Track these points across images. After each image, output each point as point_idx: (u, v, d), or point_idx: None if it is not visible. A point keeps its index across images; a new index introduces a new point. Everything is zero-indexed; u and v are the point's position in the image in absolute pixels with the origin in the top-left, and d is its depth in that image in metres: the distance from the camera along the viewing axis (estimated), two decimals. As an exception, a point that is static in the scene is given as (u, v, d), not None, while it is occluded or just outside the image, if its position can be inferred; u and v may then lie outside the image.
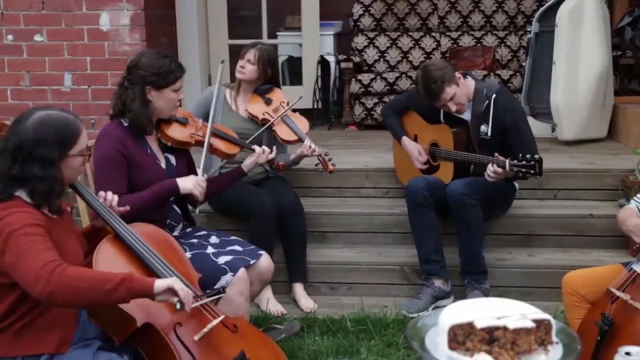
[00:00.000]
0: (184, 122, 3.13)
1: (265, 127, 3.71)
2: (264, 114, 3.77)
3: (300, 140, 3.75)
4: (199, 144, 3.17)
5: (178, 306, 2.16)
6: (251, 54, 3.79)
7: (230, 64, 4.44)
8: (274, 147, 3.43)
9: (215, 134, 3.28)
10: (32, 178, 2.13)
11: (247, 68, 3.80)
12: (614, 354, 1.81)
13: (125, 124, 2.96)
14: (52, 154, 2.15)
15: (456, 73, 3.63)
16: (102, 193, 2.50)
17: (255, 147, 3.35)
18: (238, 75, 3.82)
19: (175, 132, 3.08)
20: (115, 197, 2.51)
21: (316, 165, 3.74)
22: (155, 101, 2.95)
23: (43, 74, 4.98)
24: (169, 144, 3.07)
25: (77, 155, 2.23)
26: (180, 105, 3.08)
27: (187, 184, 2.98)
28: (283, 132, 3.76)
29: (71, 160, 2.22)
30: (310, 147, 3.71)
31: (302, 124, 3.84)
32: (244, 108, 3.85)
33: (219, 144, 3.29)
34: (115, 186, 2.76)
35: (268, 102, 3.82)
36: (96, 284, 2.02)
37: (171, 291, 2.13)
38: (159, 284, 2.11)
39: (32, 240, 2.03)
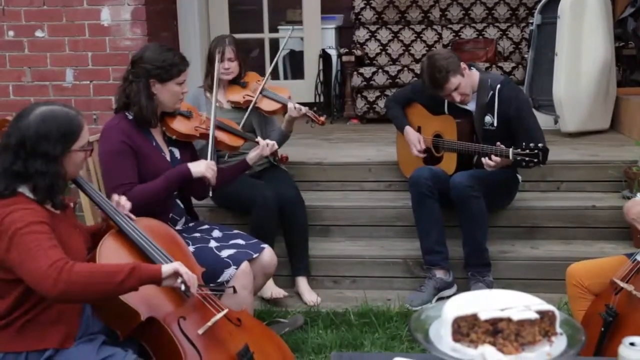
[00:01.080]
0: (188, 116, 3.13)
1: (251, 107, 3.79)
2: (244, 97, 3.87)
3: (285, 107, 3.87)
4: (204, 136, 3.17)
5: (182, 287, 2.18)
6: (229, 53, 3.85)
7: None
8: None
9: (219, 126, 3.28)
10: (35, 174, 2.13)
11: (232, 67, 3.87)
12: (618, 344, 1.81)
13: (130, 117, 2.97)
14: (54, 149, 2.15)
15: (461, 63, 3.62)
16: (115, 197, 2.53)
17: (259, 139, 3.36)
18: (224, 77, 3.86)
19: (180, 125, 3.09)
20: (129, 204, 2.53)
21: (307, 122, 3.89)
22: (159, 94, 2.95)
23: (45, 70, 4.98)
24: (174, 137, 3.09)
25: (80, 151, 2.23)
26: (183, 99, 3.09)
27: (199, 167, 2.99)
28: (267, 105, 3.88)
29: (74, 156, 2.22)
30: (295, 107, 3.82)
31: (282, 92, 3.96)
32: (226, 100, 3.91)
33: (223, 136, 3.30)
34: (126, 178, 2.79)
35: (244, 85, 3.93)
36: (107, 278, 2.04)
37: (176, 275, 2.18)
38: (166, 268, 2.17)
39: (37, 239, 2.03)
